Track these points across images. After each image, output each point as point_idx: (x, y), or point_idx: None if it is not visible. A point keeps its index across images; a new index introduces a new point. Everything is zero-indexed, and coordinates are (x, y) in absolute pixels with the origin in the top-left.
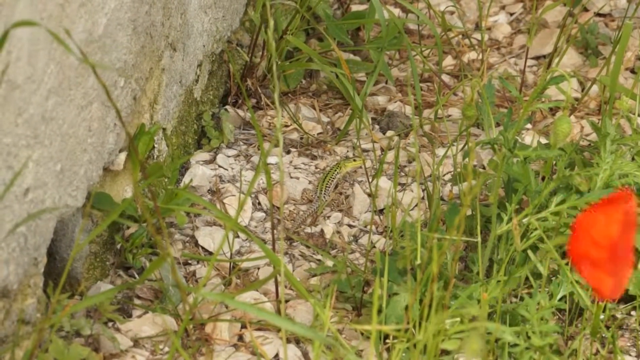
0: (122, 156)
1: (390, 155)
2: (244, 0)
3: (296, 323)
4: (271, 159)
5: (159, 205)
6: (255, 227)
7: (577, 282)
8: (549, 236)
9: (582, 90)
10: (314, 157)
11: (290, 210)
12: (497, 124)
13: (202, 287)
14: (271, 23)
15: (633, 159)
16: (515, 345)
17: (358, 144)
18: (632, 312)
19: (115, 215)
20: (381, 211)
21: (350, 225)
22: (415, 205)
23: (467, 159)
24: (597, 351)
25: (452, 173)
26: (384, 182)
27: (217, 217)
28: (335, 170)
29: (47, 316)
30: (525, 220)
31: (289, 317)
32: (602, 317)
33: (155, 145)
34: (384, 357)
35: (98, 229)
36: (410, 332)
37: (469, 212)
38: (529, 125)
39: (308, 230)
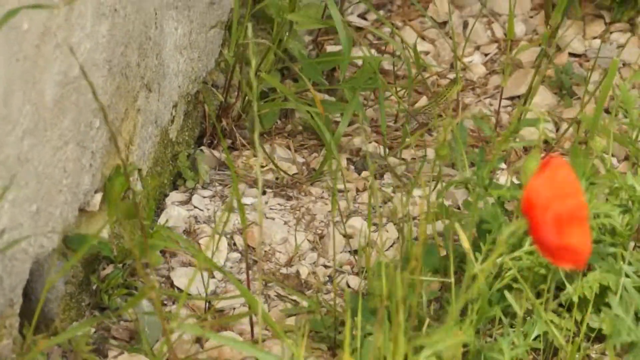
0: (98, 197)
1: (364, 196)
2: (218, 41)
3: (274, 355)
4: (246, 200)
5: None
6: (231, 267)
7: (551, 321)
8: (523, 275)
9: (557, 131)
10: (289, 198)
11: (265, 251)
12: (472, 164)
13: (177, 319)
14: (253, 62)
15: (607, 199)
16: None
17: (332, 184)
18: (607, 352)
19: (85, 249)
20: (356, 252)
21: (325, 266)
22: (391, 246)
23: (441, 199)
24: None
25: (427, 213)
26: (359, 223)
27: (192, 254)
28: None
29: (21, 356)
30: (499, 260)
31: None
32: (577, 356)
33: (131, 186)
34: None
35: (72, 260)
36: None
37: (443, 253)
38: (503, 165)
39: (284, 270)
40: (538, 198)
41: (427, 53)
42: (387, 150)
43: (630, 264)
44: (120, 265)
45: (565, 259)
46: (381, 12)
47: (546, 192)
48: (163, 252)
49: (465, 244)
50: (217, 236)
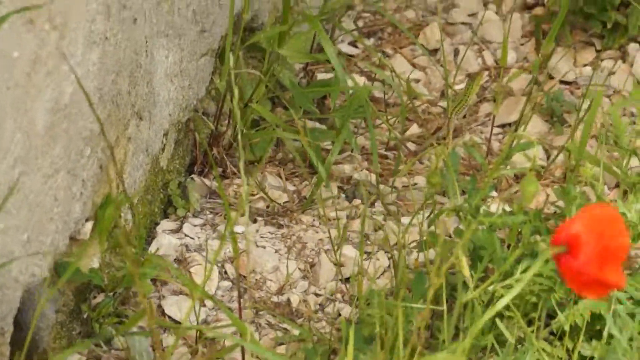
0: (89, 225)
1: (356, 224)
2: (209, 69)
3: None
4: (237, 228)
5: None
6: (222, 296)
7: (543, 349)
8: (515, 303)
9: (548, 158)
10: (280, 226)
11: (256, 280)
12: (463, 192)
13: (170, 355)
14: (236, 92)
15: None
16: None
17: (322, 213)
18: None
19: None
20: (347, 280)
21: (316, 294)
22: (382, 274)
23: (432, 227)
24: None
25: (418, 241)
26: (350, 251)
27: (184, 284)
28: (465, 100)
29: None
30: (491, 288)
31: None
32: None
33: (122, 215)
34: None
35: (59, 282)
36: None
37: (441, 281)
38: (494, 193)
39: (275, 299)
40: (587, 231)
41: (418, 81)
42: (378, 178)
43: (622, 290)
44: (111, 293)
45: (596, 291)
46: (372, 40)
47: (596, 227)
48: (154, 281)
49: (465, 272)
50: (208, 265)
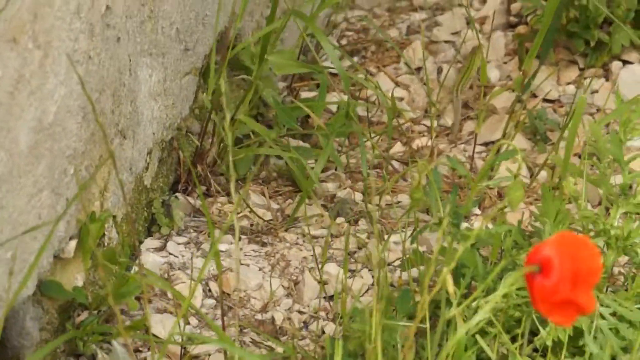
0: (73, 244)
1: (339, 242)
2: (193, 88)
3: None
4: (221, 246)
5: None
6: (206, 313)
7: None
8: (498, 319)
9: (531, 177)
10: (264, 244)
11: (240, 297)
12: None
13: None
14: (225, 107)
15: None
16: None
17: (308, 230)
18: None
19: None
20: (331, 297)
21: (300, 312)
22: (366, 292)
23: (415, 245)
24: None
25: (402, 259)
26: (334, 269)
27: (169, 299)
28: (468, 73)
29: None
30: (474, 304)
31: None
32: None
33: (106, 233)
34: None
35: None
36: None
37: (417, 298)
38: (477, 211)
39: (259, 317)
40: (560, 253)
41: (401, 99)
42: (365, 195)
43: (605, 305)
44: (95, 311)
45: (565, 313)
46: (355, 59)
47: (569, 250)
48: (138, 299)
49: (450, 289)
50: (192, 282)
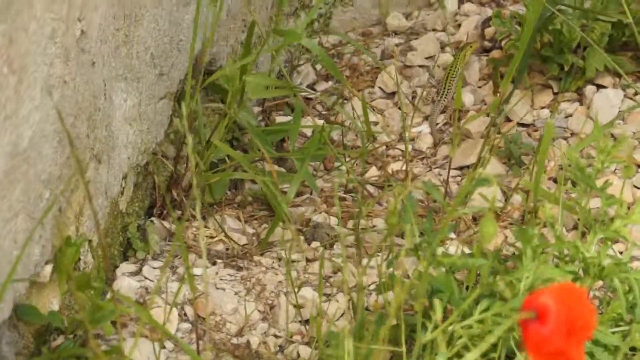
0: (48, 268)
1: (315, 266)
2: (168, 112)
3: None
4: (196, 270)
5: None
6: (182, 337)
7: None
8: (474, 344)
9: (506, 200)
10: (239, 268)
11: (216, 322)
12: (421, 234)
13: None
14: (189, 139)
15: (557, 265)
16: None
17: (285, 255)
18: None
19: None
20: (307, 321)
21: (276, 336)
22: (341, 316)
23: (391, 268)
24: None
25: (377, 283)
26: (309, 293)
27: (144, 324)
28: (456, 66)
29: None
30: (450, 329)
31: None
32: None
33: (81, 257)
34: None
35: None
36: None
37: (394, 322)
38: (453, 235)
39: (234, 341)
40: (557, 302)
41: (376, 123)
42: (339, 220)
43: None
44: (71, 336)
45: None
46: (330, 83)
47: (566, 300)
48: (114, 323)
49: (438, 315)
50: (167, 307)
